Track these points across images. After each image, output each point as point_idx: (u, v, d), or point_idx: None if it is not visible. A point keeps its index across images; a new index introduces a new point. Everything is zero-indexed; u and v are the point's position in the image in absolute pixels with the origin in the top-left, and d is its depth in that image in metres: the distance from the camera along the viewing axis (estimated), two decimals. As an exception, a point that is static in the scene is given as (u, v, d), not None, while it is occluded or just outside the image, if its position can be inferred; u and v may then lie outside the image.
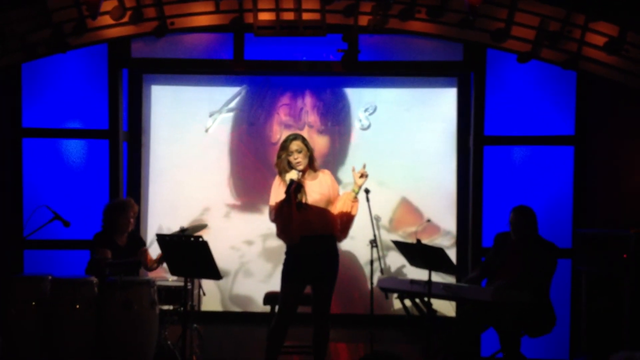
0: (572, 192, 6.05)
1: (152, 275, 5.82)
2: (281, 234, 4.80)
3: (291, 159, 4.78)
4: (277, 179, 4.85)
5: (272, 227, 4.89)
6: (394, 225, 6.24)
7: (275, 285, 5.15)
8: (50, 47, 5.70)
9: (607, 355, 5.33)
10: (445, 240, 6.19)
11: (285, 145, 4.82)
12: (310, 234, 4.74)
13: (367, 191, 5.54)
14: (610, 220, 5.92)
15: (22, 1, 5.61)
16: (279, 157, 4.84)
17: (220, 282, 6.02)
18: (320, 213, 4.79)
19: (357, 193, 4.86)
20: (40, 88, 6.16)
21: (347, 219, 4.85)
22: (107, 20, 5.66)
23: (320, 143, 6.29)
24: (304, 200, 4.76)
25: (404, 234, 6.21)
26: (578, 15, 5.60)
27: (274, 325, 4.84)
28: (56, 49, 5.72)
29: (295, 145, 4.79)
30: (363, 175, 4.85)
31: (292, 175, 4.71)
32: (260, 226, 6.16)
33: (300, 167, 4.78)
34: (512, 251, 5.27)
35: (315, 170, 4.89)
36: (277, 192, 4.77)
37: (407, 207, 6.25)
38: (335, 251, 4.85)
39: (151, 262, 5.63)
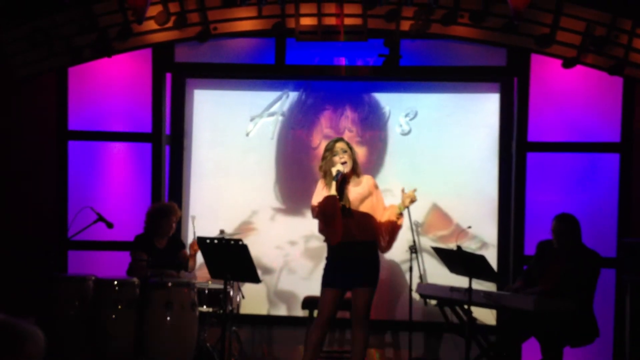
0: (617, 200, 5.92)
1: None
2: (325, 228, 4.80)
3: (336, 158, 4.78)
4: (321, 183, 4.86)
5: (314, 229, 4.90)
6: (425, 229, 6.19)
7: (316, 282, 5.17)
8: (96, 51, 5.81)
9: (652, 368, 5.23)
10: (473, 243, 6.09)
11: (330, 147, 4.85)
12: (350, 239, 4.74)
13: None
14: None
15: (69, 5, 5.72)
16: (324, 158, 4.86)
17: (266, 278, 6.17)
18: (362, 220, 4.77)
19: (401, 210, 4.85)
20: (86, 91, 6.26)
21: (392, 230, 4.84)
22: (152, 25, 5.73)
23: (360, 148, 6.27)
24: (347, 206, 4.76)
25: (434, 237, 6.17)
26: (625, 21, 5.49)
27: (315, 328, 4.84)
28: (102, 53, 5.82)
29: (340, 145, 4.83)
30: (412, 201, 4.83)
31: (339, 167, 4.73)
32: (302, 228, 6.20)
33: (347, 169, 4.78)
34: (554, 259, 5.18)
35: (358, 176, 4.89)
36: (321, 194, 4.79)
37: (440, 212, 6.20)
38: (375, 258, 4.83)
39: (190, 260, 5.62)
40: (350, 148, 4.86)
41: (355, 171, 4.87)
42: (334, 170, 4.71)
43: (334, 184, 4.70)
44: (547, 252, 5.26)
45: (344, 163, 4.77)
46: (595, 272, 5.07)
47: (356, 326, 4.82)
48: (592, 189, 5.98)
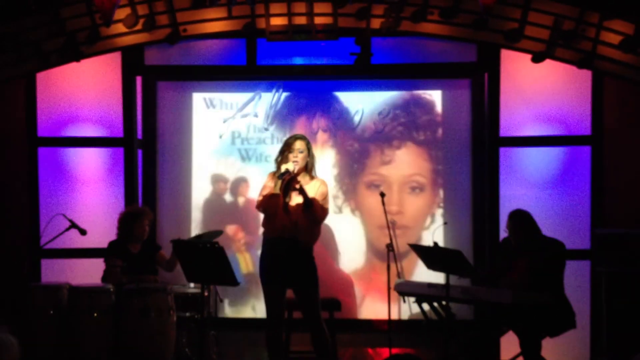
0: (589, 192, 5.98)
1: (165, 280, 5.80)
2: (267, 224, 4.75)
3: (291, 156, 4.73)
4: (269, 176, 4.79)
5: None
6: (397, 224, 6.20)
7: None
8: (64, 56, 5.73)
9: (629, 357, 5.29)
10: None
11: (289, 142, 4.78)
12: (286, 235, 4.67)
13: (382, 195, 5.53)
14: (628, 220, 5.85)
15: (36, 9, 5.63)
16: (281, 152, 4.80)
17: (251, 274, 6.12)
18: (298, 217, 4.69)
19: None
20: (55, 97, 6.18)
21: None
22: (120, 28, 5.67)
23: (333, 145, 6.28)
24: (288, 203, 4.70)
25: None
26: (592, 14, 5.56)
27: (267, 330, 4.78)
28: (70, 57, 5.74)
29: (299, 144, 4.75)
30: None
31: (289, 165, 4.67)
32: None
33: (296, 169, 4.70)
34: (515, 256, 5.18)
35: (311, 177, 4.84)
36: (267, 187, 4.73)
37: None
38: (305, 255, 4.71)
39: (169, 260, 5.56)
40: (309, 149, 4.78)
41: (308, 172, 4.81)
42: (283, 168, 4.68)
43: (279, 181, 4.66)
44: (508, 249, 5.27)
45: (294, 162, 4.73)
46: (560, 260, 5.08)
47: (311, 325, 4.74)
48: (564, 182, 6.04)
